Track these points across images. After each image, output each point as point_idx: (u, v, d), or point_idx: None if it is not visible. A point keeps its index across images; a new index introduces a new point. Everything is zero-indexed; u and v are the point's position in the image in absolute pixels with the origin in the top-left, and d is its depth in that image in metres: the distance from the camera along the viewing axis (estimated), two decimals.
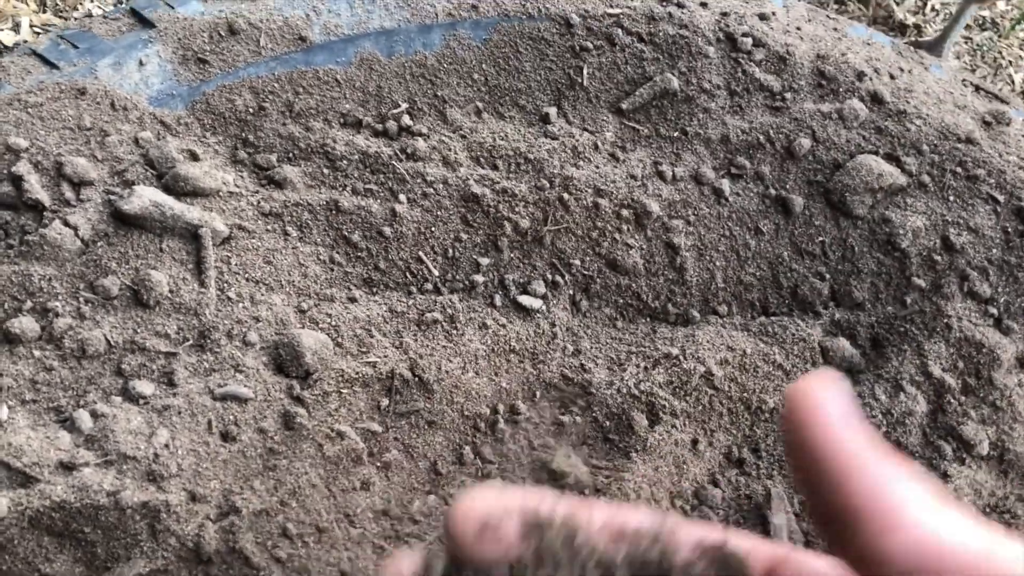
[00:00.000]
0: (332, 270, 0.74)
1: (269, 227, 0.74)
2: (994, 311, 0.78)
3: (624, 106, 0.84)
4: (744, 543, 0.38)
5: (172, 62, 0.77)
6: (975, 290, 0.78)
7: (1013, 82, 1.78)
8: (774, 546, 0.38)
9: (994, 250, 0.79)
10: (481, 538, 0.36)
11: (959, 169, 0.81)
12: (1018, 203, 0.79)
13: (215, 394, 0.64)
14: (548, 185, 0.79)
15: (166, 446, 0.61)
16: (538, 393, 0.74)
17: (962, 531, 0.29)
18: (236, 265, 0.71)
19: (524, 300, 0.77)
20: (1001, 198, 0.80)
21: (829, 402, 0.32)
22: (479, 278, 0.77)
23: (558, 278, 0.79)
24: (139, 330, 0.66)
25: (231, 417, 0.64)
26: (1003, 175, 0.80)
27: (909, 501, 0.31)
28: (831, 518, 0.32)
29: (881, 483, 0.31)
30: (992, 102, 0.90)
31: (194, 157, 0.74)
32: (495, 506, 0.38)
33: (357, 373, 0.69)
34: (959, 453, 0.74)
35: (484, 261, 0.77)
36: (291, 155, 0.77)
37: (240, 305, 0.70)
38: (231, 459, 0.62)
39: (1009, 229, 0.79)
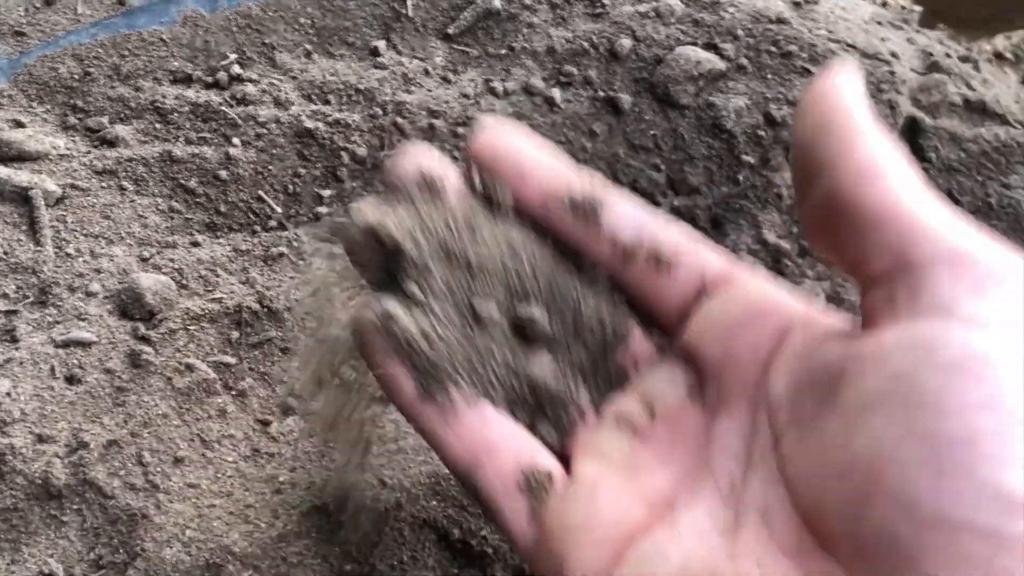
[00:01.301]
0: (172, 218, 0.75)
1: (104, 184, 0.75)
2: None
3: (451, 31, 0.86)
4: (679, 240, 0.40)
5: None
6: None
7: None
8: (723, 260, 0.40)
9: None
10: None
11: (773, 48, 0.85)
12: None
13: (57, 342, 0.65)
14: (381, 112, 0.81)
15: (7, 394, 0.61)
16: None
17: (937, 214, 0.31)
18: (72, 222, 0.72)
19: None
20: (814, 70, 0.83)
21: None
22: (323, 210, 0.78)
23: None
24: None
25: (75, 361, 0.65)
26: (814, 48, 0.84)
27: (891, 166, 0.32)
28: (811, 171, 0.33)
29: (870, 142, 0.32)
30: None
31: (19, 126, 0.74)
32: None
33: (203, 310, 0.70)
34: None
35: (326, 193, 0.79)
36: (122, 116, 0.79)
37: (80, 260, 0.70)
38: (78, 400, 0.63)
39: None
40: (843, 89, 0.33)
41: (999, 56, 1.09)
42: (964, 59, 0.87)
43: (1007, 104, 0.84)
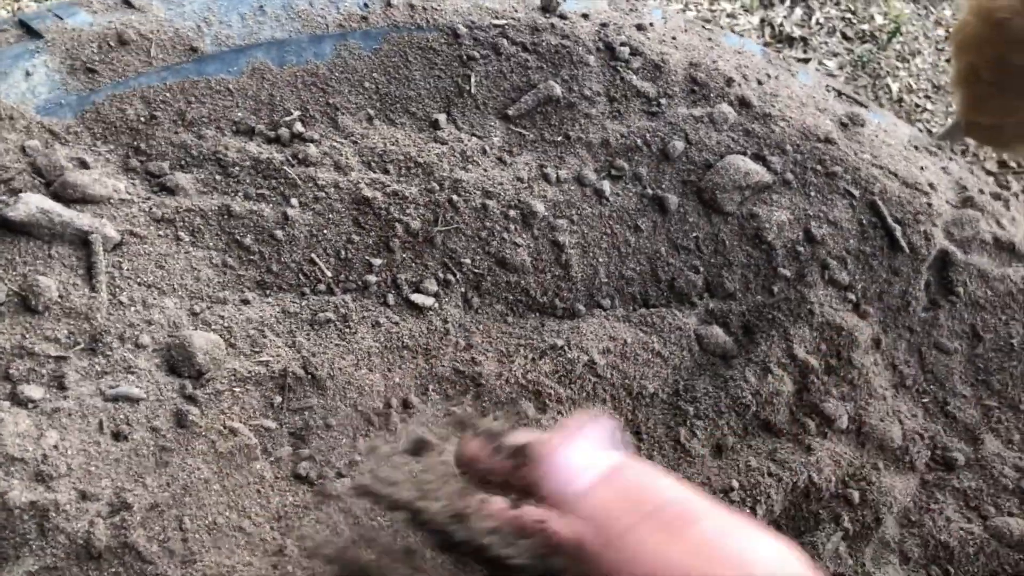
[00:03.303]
0: (224, 273, 0.76)
1: (161, 232, 0.75)
2: (852, 297, 0.84)
3: (510, 112, 0.88)
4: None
5: (60, 72, 0.78)
6: (835, 278, 0.85)
7: (891, 91, 1.90)
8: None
9: (851, 241, 0.85)
10: None
11: (819, 167, 0.87)
12: (871, 197, 0.86)
13: (106, 395, 0.65)
14: (438, 188, 0.82)
15: (55, 447, 0.62)
16: (431, 387, 0.77)
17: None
18: (128, 270, 0.72)
19: (416, 298, 0.80)
20: (856, 193, 0.86)
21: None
22: (372, 278, 0.79)
23: (449, 276, 0.82)
24: (28, 335, 0.66)
25: (122, 417, 0.65)
26: (858, 172, 0.87)
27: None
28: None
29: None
30: (851, 105, 0.98)
31: (84, 165, 0.75)
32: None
33: (250, 372, 0.71)
34: (822, 428, 0.80)
35: (376, 262, 0.80)
36: (183, 163, 0.79)
37: (132, 309, 0.71)
38: (122, 458, 0.63)
39: (864, 221, 0.86)
40: None
41: None
42: (996, 196, 0.91)
43: None
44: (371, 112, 0.85)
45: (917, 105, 1.87)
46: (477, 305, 0.82)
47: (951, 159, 0.98)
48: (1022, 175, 1.81)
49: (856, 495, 0.76)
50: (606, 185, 0.86)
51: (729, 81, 0.91)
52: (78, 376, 0.67)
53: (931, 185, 0.88)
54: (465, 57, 0.88)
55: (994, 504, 0.78)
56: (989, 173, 1.75)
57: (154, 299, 0.72)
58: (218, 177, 0.79)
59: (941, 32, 2.03)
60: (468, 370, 0.78)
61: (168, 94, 0.80)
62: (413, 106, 0.86)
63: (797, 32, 1.91)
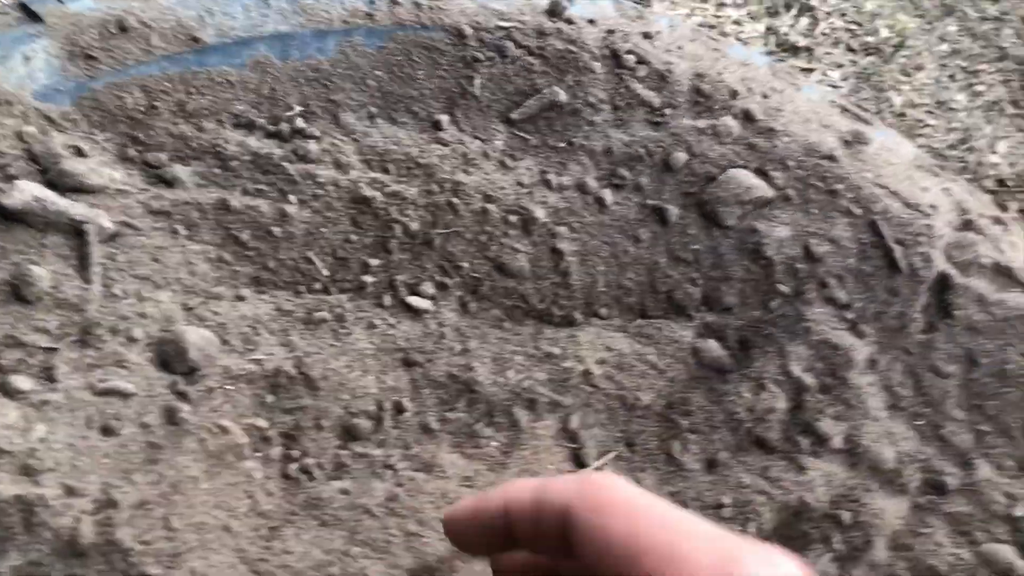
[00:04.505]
0: (220, 268, 0.75)
1: (157, 225, 0.74)
2: (849, 316, 0.84)
3: (514, 116, 0.87)
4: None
5: (60, 57, 0.76)
6: (833, 296, 0.84)
7: (894, 104, 1.90)
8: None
9: (850, 259, 0.85)
10: None
11: (821, 184, 0.87)
12: (872, 216, 0.86)
13: (96, 389, 0.65)
14: (438, 189, 0.81)
15: (43, 440, 0.61)
16: (424, 391, 0.77)
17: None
18: (122, 262, 0.71)
19: (413, 301, 0.80)
20: (857, 211, 0.86)
21: None
22: (368, 279, 0.79)
23: (447, 280, 0.81)
24: (18, 325, 0.66)
25: (112, 412, 0.64)
26: (860, 191, 0.87)
27: None
28: None
29: None
30: (855, 123, 0.97)
31: (80, 153, 0.74)
32: None
33: (242, 370, 0.70)
34: (815, 447, 0.80)
35: (374, 262, 0.79)
36: (182, 154, 0.78)
37: (125, 302, 0.70)
38: (111, 453, 0.63)
39: (864, 240, 0.85)
40: None
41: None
42: (996, 220, 0.91)
43: None
44: (373, 110, 0.84)
45: (919, 120, 1.87)
46: (474, 310, 0.81)
47: (953, 180, 0.98)
48: (1022, 193, 1.82)
49: (847, 516, 0.76)
50: (607, 194, 0.85)
51: (734, 93, 0.90)
52: (68, 368, 0.66)
53: (932, 206, 0.88)
54: (470, 58, 0.87)
55: (984, 530, 0.78)
56: (988, 191, 1.76)
57: (148, 292, 0.71)
58: (217, 171, 0.78)
59: (945, 47, 2.03)
60: (463, 375, 0.77)
61: (168, 84, 0.79)
62: (416, 106, 0.86)
63: (802, 42, 1.90)
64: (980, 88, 1.99)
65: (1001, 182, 1.85)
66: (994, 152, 1.89)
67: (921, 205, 0.88)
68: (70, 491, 0.60)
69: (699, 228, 0.86)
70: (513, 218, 0.82)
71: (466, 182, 0.82)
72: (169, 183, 0.76)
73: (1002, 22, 2.11)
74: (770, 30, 1.91)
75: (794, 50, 1.90)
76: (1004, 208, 0.97)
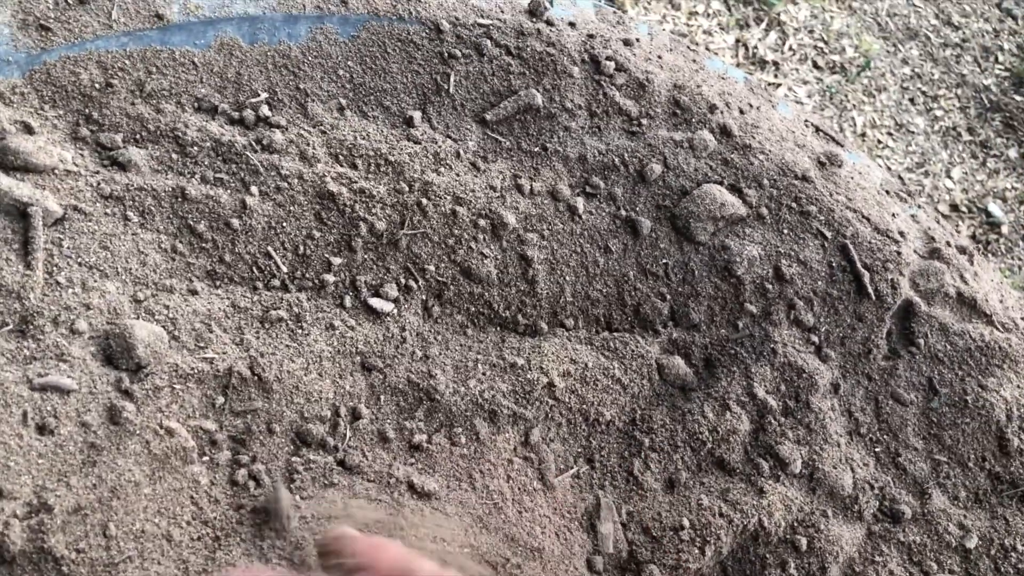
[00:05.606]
0: (173, 260, 0.71)
1: (108, 210, 0.70)
2: (815, 339, 0.84)
3: (488, 117, 0.85)
4: None
5: (10, 26, 0.72)
6: (800, 319, 0.84)
7: (855, 123, 1.92)
8: None
9: (819, 282, 0.85)
10: None
11: (794, 204, 0.86)
12: (843, 240, 0.86)
13: (34, 384, 0.61)
14: (407, 189, 0.79)
15: None
16: (382, 397, 0.74)
17: None
18: (68, 248, 0.67)
19: (375, 303, 0.77)
20: (829, 234, 0.86)
21: None
22: (330, 278, 0.76)
23: (411, 282, 0.79)
24: None
25: (50, 408, 0.60)
26: (832, 213, 0.87)
27: None
28: None
29: None
30: (829, 143, 0.97)
31: (28, 130, 0.69)
32: None
33: (192, 369, 0.67)
34: (775, 471, 0.79)
35: (336, 261, 0.76)
36: (138, 137, 0.74)
37: (70, 291, 0.66)
38: (46, 454, 0.59)
39: (833, 264, 0.85)
40: None
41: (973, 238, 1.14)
42: (961, 250, 0.91)
43: (993, 304, 0.89)
44: (343, 102, 0.81)
45: (879, 141, 1.90)
46: (437, 314, 0.79)
47: (920, 207, 0.98)
48: (973, 220, 1.85)
49: (804, 542, 0.76)
50: (580, 202, 0.83)
51: (712, 108, 0.89)
52: (3, 360, 0.62)
53: (901, 233, 0.88)
54: (446, 55, 0.84)
55: (936, 560, 0.78)
56: (944, 216, 1.79)
57: (95, 282, 0.67)
58: (174, 156, 0.74)
59: (907, 70, 2.06)
60: (423, 383, 0.75)
61: (127, 61, 0.75)
62: (388, 100, 0.83)
63: (770, 56, 1.91)
64: (938, 113, 2.03)
65: (955, 207, 1.88)
66: (949, 177, 1.93)
67: (891, 231, 0.88)
68: (0, 493, 0.56)
69: (670, 242, 0.85)
70: (483, 222, 0.80)
71: (436, 182, 0.79)
72: (123, 166, 0.72)
73: (963, 49, 2.15)
74: (739, 42, 1.91)
75: (762, 64, 1.91)
76: (956, 232, 0.98)
